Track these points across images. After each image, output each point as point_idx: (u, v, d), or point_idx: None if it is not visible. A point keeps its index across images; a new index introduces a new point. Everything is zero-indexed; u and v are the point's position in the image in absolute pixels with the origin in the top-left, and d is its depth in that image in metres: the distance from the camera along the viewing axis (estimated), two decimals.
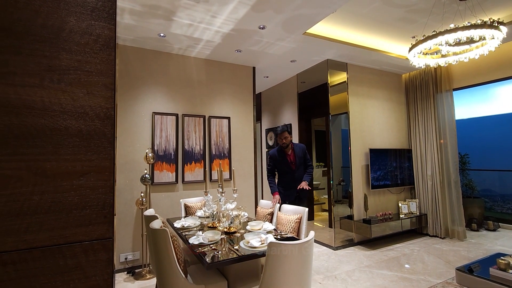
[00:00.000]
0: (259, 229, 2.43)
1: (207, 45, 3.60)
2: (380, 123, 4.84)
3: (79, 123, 0.81)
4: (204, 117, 3.94)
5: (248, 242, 2.02)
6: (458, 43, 2.81)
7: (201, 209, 3.21)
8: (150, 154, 3.33)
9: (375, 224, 4.05)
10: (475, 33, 2.55)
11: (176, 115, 3.74)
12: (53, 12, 0.79)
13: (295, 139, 5.05)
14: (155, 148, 3.56)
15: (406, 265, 3.44)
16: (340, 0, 2.71)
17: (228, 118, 4.13)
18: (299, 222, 2.68)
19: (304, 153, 3.41)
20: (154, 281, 3.07)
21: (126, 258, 3.34)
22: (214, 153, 3.96)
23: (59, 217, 0.77)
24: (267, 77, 5.10)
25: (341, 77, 4.47)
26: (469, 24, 2.52)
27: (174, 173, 3.65)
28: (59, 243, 0.77)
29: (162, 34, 3.26)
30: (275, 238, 2.18)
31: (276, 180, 3.45)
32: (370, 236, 4.00)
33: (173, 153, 3.66)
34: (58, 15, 0.80)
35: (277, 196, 3.16)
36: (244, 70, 4.38)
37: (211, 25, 3.09)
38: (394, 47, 4.13)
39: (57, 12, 0.80)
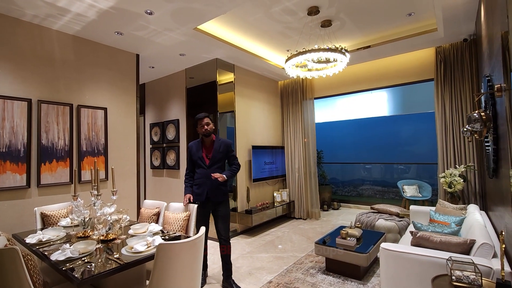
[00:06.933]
0: (144, 232, 2.26)
1: (78, 20, 2.99)
2: (261, 122, 5.39)
3: None
4: (71, 105, 3.25)
5: (132, 248, 1.84)
6: (320, 61, 3.51)
7: (67, 217, 2.66)
8: None
9: (255, 213, 4.50)
10: (331, 55, 3.24)
11: (29, 101, 2.92)
12: None
13: (183, 135, 4.93)
14: None
15: (279, 246, 4.01)
16: (230, 4, 2.84)
17: (105, 109, 3.58)
18: (188, 220, 2.66)
19: (227, 150, 2.96)
20: None
21: None
22: (85, 149, 3.34)
23: None
24: (153, 67, 4.73)
25: (229, 77, 4.69)
26: (327, 48, 3.17)
27: (24, 175, 2.84)
28: None
29: None
30: (162, 239, 2.08)
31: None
32: (252, 224, 4.42)
33: (23, 149, 2.85)
34: None
35: (188, 195, 2.83)
36: (126, 56, 3.89)
37: None
38: (273, 56, 4.69)
39: None
